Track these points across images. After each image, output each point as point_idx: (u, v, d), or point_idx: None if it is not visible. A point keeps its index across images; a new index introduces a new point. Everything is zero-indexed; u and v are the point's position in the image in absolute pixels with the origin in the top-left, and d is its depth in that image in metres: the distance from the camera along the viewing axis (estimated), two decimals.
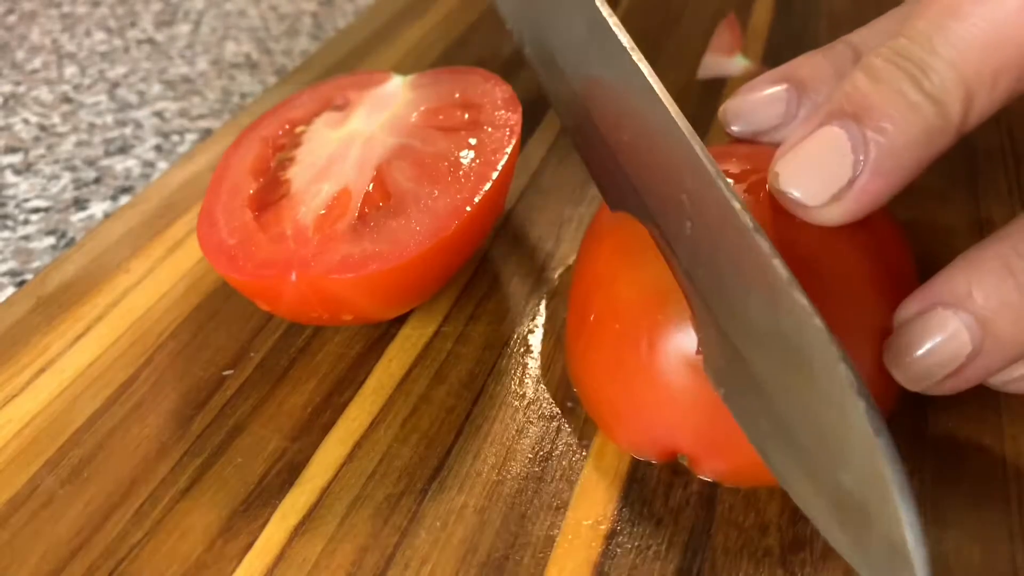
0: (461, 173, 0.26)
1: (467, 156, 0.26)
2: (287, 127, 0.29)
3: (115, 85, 0.47)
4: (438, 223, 0.24)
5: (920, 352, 0.19)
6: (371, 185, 0.26)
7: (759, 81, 0.24)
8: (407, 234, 0.24)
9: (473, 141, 0.27)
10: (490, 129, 0.27)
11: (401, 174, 0.26)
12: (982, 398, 0.23)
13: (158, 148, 0.41)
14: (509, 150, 0.26)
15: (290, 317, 0.27)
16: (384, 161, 0.27)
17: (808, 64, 0.23)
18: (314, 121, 0.30)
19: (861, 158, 0.19)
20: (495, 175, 0.25)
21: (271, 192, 0.27)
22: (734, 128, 0.24)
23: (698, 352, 0.19)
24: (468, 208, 0.25)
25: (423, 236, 0.24)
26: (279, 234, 0.25)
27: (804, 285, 0.19)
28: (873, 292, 0.20)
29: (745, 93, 0.24)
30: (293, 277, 0.24)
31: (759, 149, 0.23)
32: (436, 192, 0.25)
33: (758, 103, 0.23)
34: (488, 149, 0.26)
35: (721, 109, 0.24)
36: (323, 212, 0.25)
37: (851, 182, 0.19)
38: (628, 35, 0.21)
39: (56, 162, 0.40)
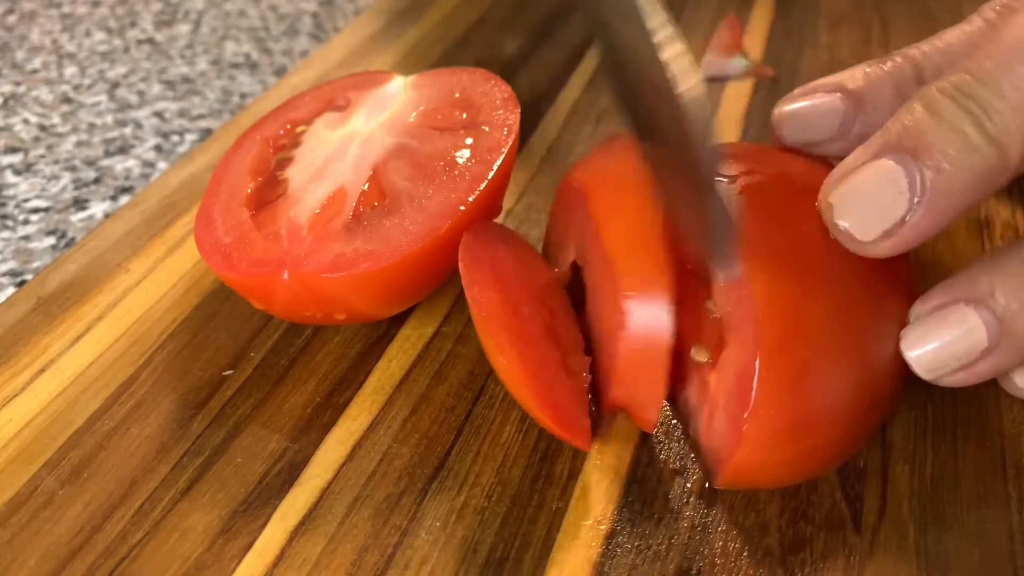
0: (457, 172, 0.26)
1: (463, 155, 0.26)
2: (288, 127, 0.29)
3: (115, 85, 0.47)
4: (431, 222, 0.24)
5: (938, 343, 0.20)
6: (367, 184, 0.26)
7: (815, 87, 0.23)
8: (400, 233, 0.24)
9: (470, 141, 0.27)
10: (488, 129, 0.27)
11: (397, 173, 0.26)
12: (983, 398, 0.23)
13: (158, 148, 0.41)
14: (506, 150, 0.26)
15: (284, 316, 0.27)
16: (381, 161, 0.27)
17: (867, 78, 0.23)
18: (315, 121, 0.30)
19: (916, 197, 0.18)
20: (491, 174, 0.25)
21: (269, 191, 0.27)
22: (784, 134, 0.23)
23: None
24: (462, 207, 0.24)
25: (416, 235, 0.24)
26: (274, 233, 0.25)
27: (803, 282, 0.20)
28: (866, 290, 0.20)
29: (800, 99, 0.23)
30: (285, 275, 0.24)
31: (760, 148, 0.23)
32: (431, 191, 0.25)
33: (813, 112, 0.23)
34: (485, 149, 0.26)
35: (776, 111, 0.23)
36: (318, 211, 0.25)
37: (903, 219, 0.19)
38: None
39: (56, 162, 0.40)
